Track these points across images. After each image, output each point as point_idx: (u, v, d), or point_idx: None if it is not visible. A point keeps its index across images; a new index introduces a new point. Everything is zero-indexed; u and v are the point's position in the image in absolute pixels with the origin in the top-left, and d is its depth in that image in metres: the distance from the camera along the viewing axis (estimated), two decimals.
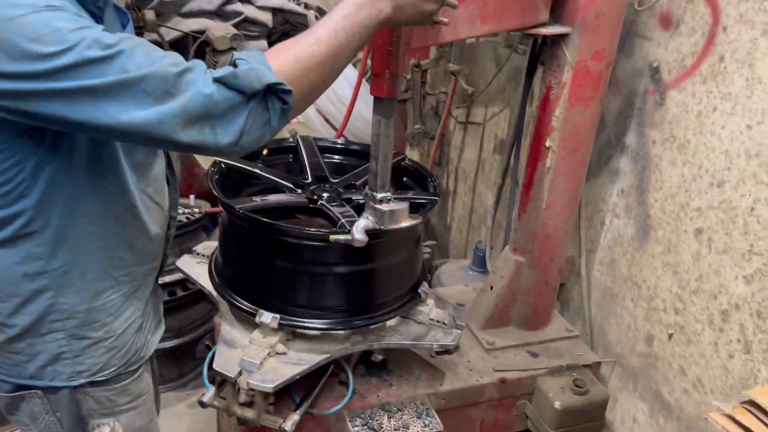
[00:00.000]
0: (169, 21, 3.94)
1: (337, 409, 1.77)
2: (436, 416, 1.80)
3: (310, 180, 1.89)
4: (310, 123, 3.64)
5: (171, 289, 2.77)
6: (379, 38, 1.43)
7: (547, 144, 1.92)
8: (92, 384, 1.37)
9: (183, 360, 2.90)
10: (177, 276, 2.59)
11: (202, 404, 1.66)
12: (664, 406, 1.95)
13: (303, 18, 4.20)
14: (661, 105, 1.90)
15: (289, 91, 1.07)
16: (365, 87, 3.78)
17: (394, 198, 1.57)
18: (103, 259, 1.29)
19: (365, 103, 3.52)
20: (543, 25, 1.80)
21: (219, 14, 4.01)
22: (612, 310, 2.17)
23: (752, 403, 1.20)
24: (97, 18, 1.19)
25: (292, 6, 4.15)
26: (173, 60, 1.05)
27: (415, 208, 1.73)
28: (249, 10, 4.04)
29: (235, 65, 1.06)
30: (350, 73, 3.69)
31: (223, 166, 1.86)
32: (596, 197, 2.21)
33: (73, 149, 1.17)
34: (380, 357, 1.95)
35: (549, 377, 2.01)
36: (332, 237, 1.54)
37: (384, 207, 1.54)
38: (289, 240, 1.60)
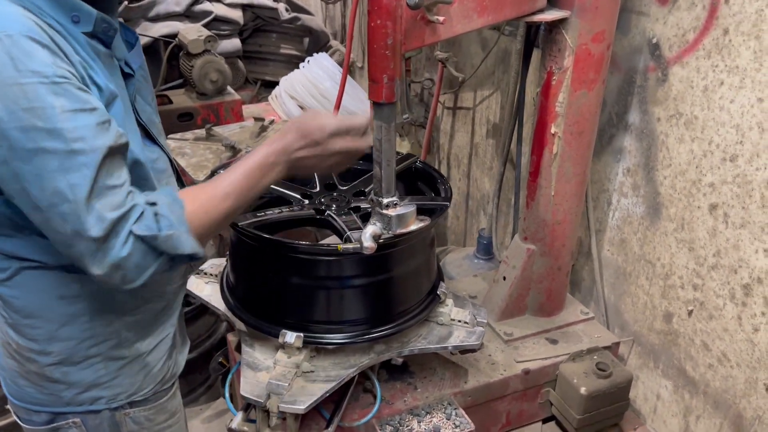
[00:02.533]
0: (137, 27, 3.81)
1: (367, 420, 1.74)
2: (466, 416, 1.78)
3: (318, 189, 1.84)
4: (290, 115, 3.57)
5: None
6: (374, 43, 1.38)
7: (552, 130, 1.89)
8: (131, 404, 1.38)
9: (191, 375, 2.85)
10: None
11: (231, 431, 1.61)
12: (689, 381, 1.95)
13: (274, 12, 4.10)
14: (663, 81, 1.87)
15: (200, 258, 1.18)
16: (350, 83, 3.71)
17: (402, 202, 1.54)
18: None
19: (350, 97, 3.45)
20: (541, 11, 1.76)
21: (188, 15, 3.89)
22: (626, 290, 2.17)
23: None
24: (106, 45, 1.20)
25: (262, 0, 4.05)
26: (118, 200, 1.07)
27: (426, 213, 1.70)
28: (219, 9, 3.93)
29: (156, 218, 1.11)
30: (328, 64, 3.62)
31: None
32: (601, 177, 2.19)
33: None
34: (401, 360, 1.92)
35: (571, 363, 2.00)
36: (341, 247, 1.50)
37: (391, 212, 1.50)
38: (303, 257, 1.55)
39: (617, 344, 2.12)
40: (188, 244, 1.13)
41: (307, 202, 1.76)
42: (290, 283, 1.60)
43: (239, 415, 1.63)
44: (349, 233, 1.56)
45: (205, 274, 1.95)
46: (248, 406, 1.64)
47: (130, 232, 1.08)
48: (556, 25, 1.79)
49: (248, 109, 3.66)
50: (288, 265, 1.58)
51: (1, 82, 0.97)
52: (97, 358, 1.31)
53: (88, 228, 1.04)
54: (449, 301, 1.84)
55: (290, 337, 1.59)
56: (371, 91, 1.42)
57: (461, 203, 3.19)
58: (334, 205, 1.74)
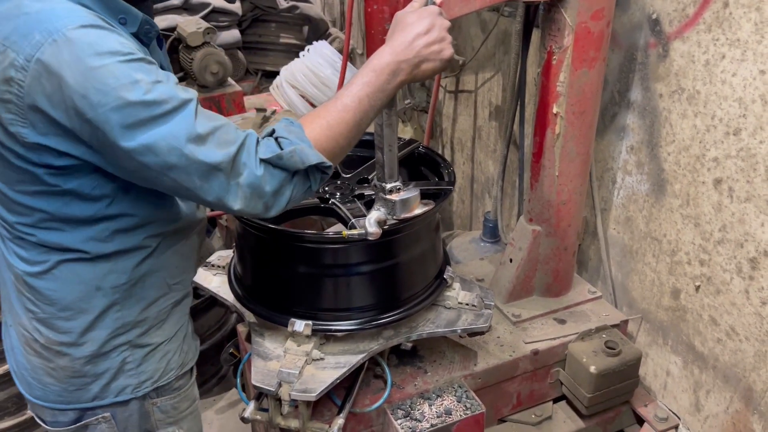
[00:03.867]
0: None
1: (379, 405, 1.75)
2: (477, 398, 1.79)
3: None
4: (295, 109, 3.56)
5: None
6: (372, 28, 1.38)
7: (554, 111, 1.88)
8: (158, 392, 1.43)
9: (203, 367, 2.87)
10: None
11: (244, 420, 1.63)
12: (698, 356, 1.96)
13: (272, 1, 4.09)
14: (664, 57, 1.86)
15: (329, 166, 1.21)
16: (350, 70, 3.70)
17: (405, 187, 1.54)
18: (164, 270, 1.36)
19: (332, 68, 3.43)
20: None
21: (186, 8, 3.88)
22: (633, 267, 2.17)
23: None
24: (146, 45, 1.25)
25: None
26: (230, 136, 1.13)
27: (430, 198, 1.70)
28: (216, 0, 3.92)
29: (277, 141, 1.17)
30: (328, 52, 3.61)
31: None
32: (605, 155, 2.18)
33: None
34: (410, 344, 1.93)
35: (580, 342, 2.01)
36: (345, 233, 1.51)
37: (394, 197, 1.51)
38: (309, 246, 1.56)
39: (626, 322, 2.12)
40: (313, 155, 1.16)
41: None
42: (297, 272, 1.61)
43: (251, 405, 1.64)
44: (353, 220, 1.57)
45: (213, 266, 1.96)
46: (260, 395, 1.65)
47: (256, 159, 1.13)
48: (555, 4, 1.78)
49: (249, 100, 3.66)
50: (294, 255, 1.59)
51: (88, 67, 1.02)
52: (124, 347, 1.34)
53: (214, 162, 1.09)
54: (456, 285, 1.85)
55: (299, 325, 1.60)
56: None
57: (466, 187, 3.19)
58: (338, 193, 1.74)
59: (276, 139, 1.18)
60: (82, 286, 1.26)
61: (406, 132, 3.23)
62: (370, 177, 1.83)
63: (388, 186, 1.49)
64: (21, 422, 2.42)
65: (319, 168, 1.20)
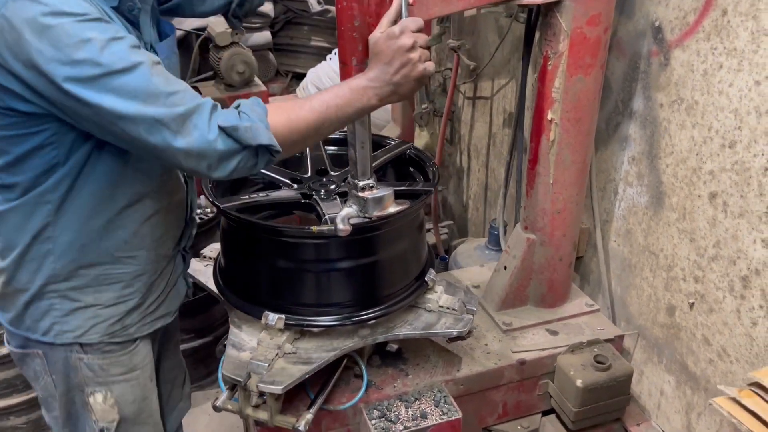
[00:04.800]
0: (172, 19, 3.92)
1: (353, 404, 1.76)
2: (455, 403, 1.77)
3: (309, 174, 1.86)
4: None
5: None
6: (342, 24, 1.39)
7: (549, 117, 1.85)
8: (84, 349, 1.50)
9: (208, 360, 2.92)
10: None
11: (216, 408, 1.66)
12: (691, 377, 1.89)
13: (304, 4, 4.15)
14: (665, 66, 1.81)
15: (277, 151, 1.29)
16: None
17: (378, 185, 1.55)
18: (108, 240, 1.43)
19: None
20: None
21: None
22: (632, 282, 2.11)
23: (758, 386, 1.13)
24: (134, 24, 1.35)
25: None
26: (184, 99, 1.22)
27: (413, 198, 1.70)
28: None
29: (239, 115, 1.26)
30: None
31: None
32: (608, 166, 2.13)
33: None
34: (395, 347, 1.93)
35: (569, 355, 1.97)
36: (315, 228, 1.52)
37: (367, 194, 1.51)
38: (285, 240, 1.57)
39: (621, 337, 2.06)
40: (265, 136, 1.26)
41: (296, 186, 1.78)
42: (273, 265, 1.63)
43: (225, 394, 1.67)
44: (327, 216, 1.58)
45: (205, 257, 2.00)
46: (234, 385, 1.67)
47: (212, 123, 1.23)
48: (550, 8, 1.76)
49: (275, 101, 3.72)
50: (270, 248, 1.61)
51: (43, 25, 1.12)
52: (53, 294, 1.44)
53: (159, 116, 1.19)
54: (439, 288, 1.83)
55: (272, 318, 1.62)
56: (342, 73, 1.43)
57: (480, 194, 3.16)
58: (322, 190, 1.75)
59: (239, 112, 1.27)
60: (24, 233, 1.38)
61: (422, 137, 3.23)
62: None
63: (361, 183, 1.49)
64: (29, 399, 2.50)
65: (268, 149, 1.27)
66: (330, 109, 1.32)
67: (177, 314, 1.74)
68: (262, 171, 1.84)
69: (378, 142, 1.96)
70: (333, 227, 1.46)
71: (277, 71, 4.28)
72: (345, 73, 1.40)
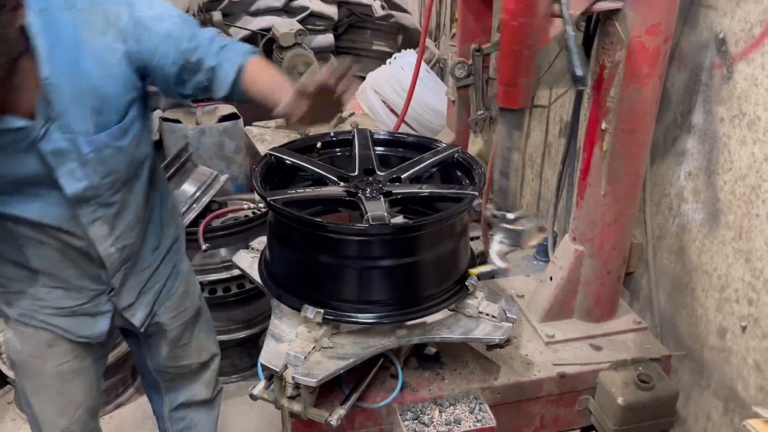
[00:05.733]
0: (239, 20, 4.05)
1: (386, 403, 1.76)
2: (489, 411, 1.76)
3: (357, 173, 1.88)
4: (375, 113, 3.64)
5: (240, 282, 2.86)
6: (515, 43, 1.32)
7: (603, 126, 1.82)
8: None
9: (254, 351, 2.99)
10: None
11: (253, 397, 1.69)
12: (739, 404, 1.81)
13: (368, 8, 4.20)
14: (728, 79, 1.75)
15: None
16: (434, 78, 3.73)
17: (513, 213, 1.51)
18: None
19: (424, 86, 3.47)
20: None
21: (286, 10, 4.08)
22: (682, 301, 2.04)
23: None
24: None
25: None
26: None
27: (454, 202, 1.69)
28: (315, 5, 4.08)
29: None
30: (412, 61, 3.65)
31: (272, 159, 1.88)
32: (663, 180, 2.07)
33: None
34: (433, 350, 1.92)
35: (612, 371, 1.92)
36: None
37: (520, 226, 1.48)
38: (329, 235, 1.60)
39: (668, 357, 2.00)
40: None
41: (342, 184, 1.80)
42: (314, 259, 1.65)
43: (262, 383, 1.70)
44: (369, 215, 1.59)
45: (252, 249, 2.05)
46: (271, 376, 1.70)
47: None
48: (609, 17, 1.73)
49: None
50: (312, 242, 1.64)
51: None
52: None
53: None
54: (480, 294, 1.81)
55: (311, 312, 1.64)
56: (506, 96, 1.38)
57: (533, 204, 3.11)
58: (368, 189, 1.77)
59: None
60: None
61: (476, 143, 3.21)
62: (403, 177, 1.84)
63: (512, 216, 1.46)
64: None
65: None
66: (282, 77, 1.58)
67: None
68: (308, 166, 1.87)
69: (426, 145, 1.97)
70: (494, 267, 1.46)
71: None
72: (512, 96, 1.36)
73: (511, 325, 1.76)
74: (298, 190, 1.72)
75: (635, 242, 2.18)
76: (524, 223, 1.43)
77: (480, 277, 1.57)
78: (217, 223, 2.88)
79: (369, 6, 4.19)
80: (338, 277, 1.65)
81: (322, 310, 1.64)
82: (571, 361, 1.96)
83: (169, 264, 1.93)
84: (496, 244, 1.42)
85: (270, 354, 1.65)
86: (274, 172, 1.86)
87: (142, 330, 1.92)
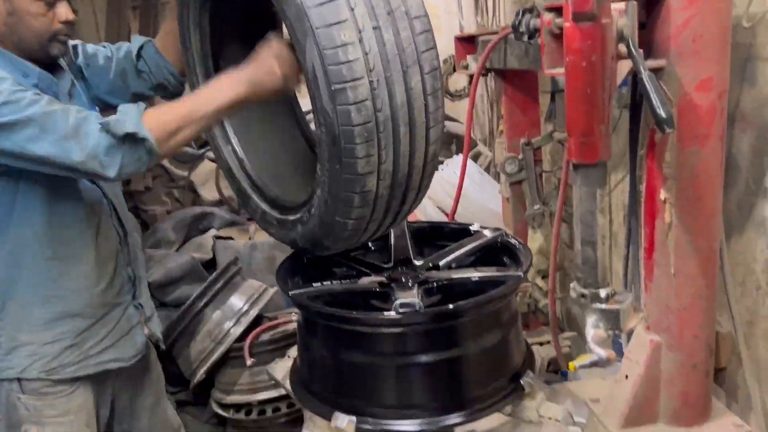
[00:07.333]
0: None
1: None
2: None
3: (392, 264, 1.74)
4: (428, 216, 3.58)
5: (291, 401, 2.68)
6: (589, 86, 1.16)
7: (662, 196, 1.63)
8: (22, 388, 1.69)
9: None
10: None
11: None
12: None
13: None
14: None
15: (144, 138, 1.48)
16: (483, 176, 3.65)
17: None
18: (34, 279, 1.66)
19: (480, 189, 3.38)
20: None
21: None
22: None
23: None
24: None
25: None
26: (75, 115, 1.49)
27: (495, 285, 1.52)
28: None
29: (116, 113, 1.50)
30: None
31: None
32: (745, 256, 1.82)
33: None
34: None
35: None
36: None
37: (615, 305, 1.28)
38: (355, 328, 1.44)
39: None
40: (131, 124, 1.46)
41: (374, 275, 1.66)
42: (341, 358, 1.49)
43: None
44: (398, 302, 1.42)
45: (288, 357, 1.90)
46: None
47: (97, 126, 1.46)
48: (653, 74, 1.59)
49: None
50: (338, 338, 1.48)
51: None
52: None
53: (60, 128, 1.46)
54: (539, 395, 1.58)
55: (342, 420, 1.45)
56: (582, 149, 1.23)
57: None
58: (402, 278, 1.62)
59: (117, 113, 1.50)
60: None
61: (535, 239, 3.03)
62: (441, 263, 1.69)
63: (604, 293, 1.27)
64: None
65: (137, 138, 1.46)
66: (200, 97, 1.54)
67: (145, 364, 1.94)
68: (343, 260, 1.75)
69: (467, 231, 1.83)
70: (595, 358, 1.29)
71: None
72: (589, 149, 1.22)
73: (579, 429, 1.50)
74: (325, 283, 1.59)
75: (722, 332, 1.89)
76: (620, 300, 1.20)
77: (579, 369, 1.35)
78: (265, 337, 2.76)
79: None
80: (369, 377, 1.47)
81: (354, 418, 1.44)
82: None
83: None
84: (592, 329, 1.20)
85: None
86: (303, 266, 1.74)
87: (163, 346, 2.04)
